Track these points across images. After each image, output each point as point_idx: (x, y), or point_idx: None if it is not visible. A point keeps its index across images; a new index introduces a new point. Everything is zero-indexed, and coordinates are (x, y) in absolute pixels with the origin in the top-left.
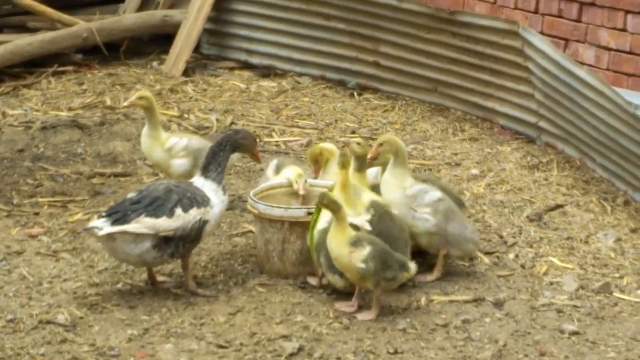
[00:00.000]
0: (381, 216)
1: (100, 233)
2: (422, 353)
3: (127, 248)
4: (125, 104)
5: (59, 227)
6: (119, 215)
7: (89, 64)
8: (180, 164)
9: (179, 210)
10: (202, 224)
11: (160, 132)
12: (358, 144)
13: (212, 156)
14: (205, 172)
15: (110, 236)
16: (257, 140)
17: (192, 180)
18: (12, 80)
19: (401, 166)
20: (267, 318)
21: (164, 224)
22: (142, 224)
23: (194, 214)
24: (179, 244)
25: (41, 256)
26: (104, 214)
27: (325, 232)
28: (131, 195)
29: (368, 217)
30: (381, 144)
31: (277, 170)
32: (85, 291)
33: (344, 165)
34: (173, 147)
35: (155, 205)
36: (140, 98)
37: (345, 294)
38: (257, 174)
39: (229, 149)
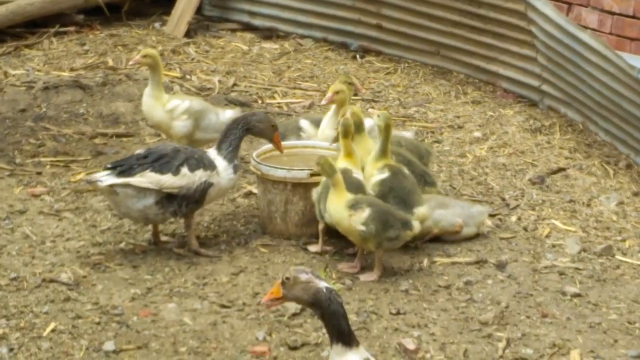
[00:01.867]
0: (394, 173)
1: (102, 184)
2: (424, 314)
3: (130, 202)
4: (130, 62)
5: (62, 187)
6: (124, 167)
7: (90, 24)
8: (181, 125)
9: (184, 169)
10: (207, 186)
11: (162, 92)
12: (338, 91)
13: (225, 134)
14: (219, 148)
15: (111, 189)
16: (276, 126)
17: (206, 150)
18: (13, 40)
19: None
20: (269, 278)
21: (169, 180)
22: (146, 179)
23: (200, 175)
24: (182, 203)
25: (44, 215)
26: (109, 165)
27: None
28: (138, 151)
29: (385, 175)
30: (144, 56)
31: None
32: (88, 250)
33: (345, 134)
34: (175, 109)
35: (161, 162)
36: (146, 56)
37: (348, 255)
38: None
39: (242, 130)
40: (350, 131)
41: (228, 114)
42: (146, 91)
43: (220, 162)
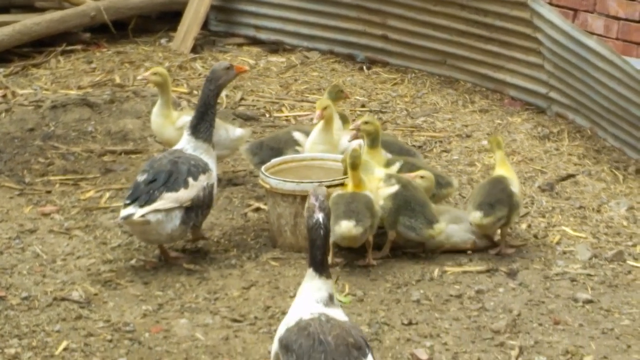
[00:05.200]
0: (404, 186)
1: (136, 217)
2: (436, 324)
3: (160, 228)
4: (139, 77)
5: (72, 205)
6: (143, 197)
7: (97, 42)
8: None
9: (191, 180)
10: (210, 187)
11: (171, 110)
12: (366, 122)
13: (200, 116)
14: (196, 132)
15: (144, 219)
16: (229, 64)
17: (180, 143)
18: (21, 60)
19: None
20: (280, 292)
21: (184, 195)
22: (167, 200)
23: (202, 179)
24: (197, 212)
25: (54, 234)
26: (127, 201)
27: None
28: (141, 177)
29: (396, 187)
30: (155, 73)
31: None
32: (99, 268)
33: (354, 166)
34: (185, 126)
35: (172, 180)
36: (155, 74)
37: (358, 267)
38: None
39: (215, 97)
40: (359, 163)
41: (238, 132)
42: (155, 110)
43: (202, 149)
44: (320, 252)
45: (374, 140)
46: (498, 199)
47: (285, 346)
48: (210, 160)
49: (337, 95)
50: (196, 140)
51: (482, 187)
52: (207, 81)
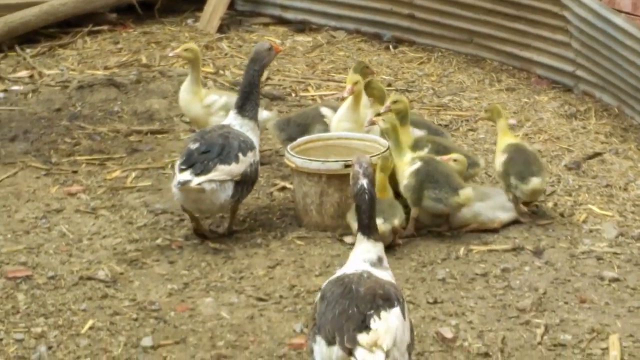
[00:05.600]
0: (427, 162)
1: (194, 184)
2: (462, 302)
3: (214, 197)
4: (171, 54)
5: (98, 185)
6: (199, 166)
7: (123, 22)
8: (219, 121)
9: (241, 155)
10: (256, 164)
11: (200, 87)
12: (395, 101)
13: (246, 96)
14: (242, 110)
15: (200, 187)
16: (269, 45)
17: (228, 119)
18: (47, 40)
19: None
20: (306, 271)
21: (235, 169)
22: (220, 172)
23: (250, 156)
24: (244, 187)
25: (80, 214)
26: (183, 166)
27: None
28: (193, 145)
29: (418, 164)
30: (186, 49)
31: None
32: (125, 247)
33: (382, 169)
34: (212, 104)
35: (224, 153)
36: (187, 50)
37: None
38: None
39: (259, 77)
40: (389, 166)
41: (265, 115)
42: (184, 86)
43: (248, 127)
44: (366, 216)
45: (403, 118)
46: (538, 164)
47: (322, 295)
48: (255, 138)
49: (363, 71)
50: (242, 118)
51: (514, 158)
52: (251, 62)
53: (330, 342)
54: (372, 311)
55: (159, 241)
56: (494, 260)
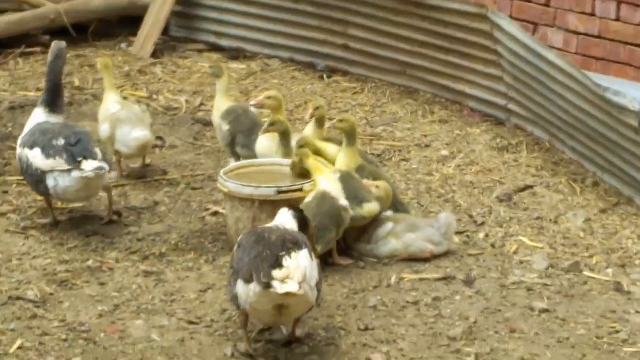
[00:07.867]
0: (344, 175)
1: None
2: (393, 330)
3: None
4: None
5: (28, 205)
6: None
7: None
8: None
9: None
10: None
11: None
12: (341, 120)
13: (57, 87)
14: (54, 106)
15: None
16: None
17: (39, 116)
18: None
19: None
20: None
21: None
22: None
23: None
24: None
25: (10, 234)
26: (79, 158)
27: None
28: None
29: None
30: (268, 97)
31: None
32: (55, 268)
33: (305, 155)
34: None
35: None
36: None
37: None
38: (226, 153)
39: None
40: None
41: (136, 134)
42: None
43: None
44: None
45: (350, 137)
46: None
47: (238, 244)
48: None
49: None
50: (52, 113)
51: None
52: (56, 59)
53: (247, 281)
54: (283, 252)
55: (89, 262)
56: (425, 289)
